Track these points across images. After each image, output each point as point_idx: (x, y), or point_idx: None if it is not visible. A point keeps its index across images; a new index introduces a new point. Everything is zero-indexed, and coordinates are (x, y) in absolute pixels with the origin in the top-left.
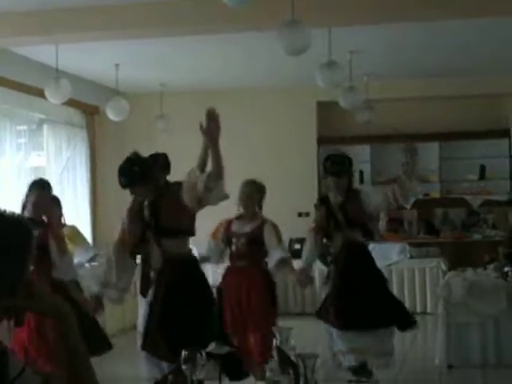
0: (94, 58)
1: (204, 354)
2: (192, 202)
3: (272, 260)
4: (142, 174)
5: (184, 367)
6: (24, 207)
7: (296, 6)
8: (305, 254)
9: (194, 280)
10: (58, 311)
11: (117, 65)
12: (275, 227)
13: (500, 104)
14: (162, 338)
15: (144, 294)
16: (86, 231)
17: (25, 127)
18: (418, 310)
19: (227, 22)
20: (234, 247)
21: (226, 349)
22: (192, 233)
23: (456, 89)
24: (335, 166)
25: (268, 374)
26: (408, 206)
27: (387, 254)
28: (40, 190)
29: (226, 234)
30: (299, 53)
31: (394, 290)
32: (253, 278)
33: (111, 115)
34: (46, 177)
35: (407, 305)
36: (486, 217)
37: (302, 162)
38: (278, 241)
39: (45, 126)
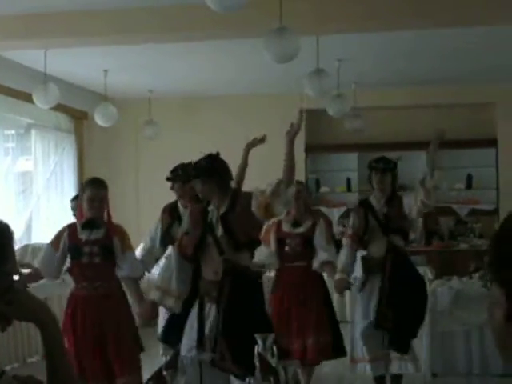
0: (82, 64)
1: (186, 359)
2: (259, 210)
3: (317, 260)
4: (208, 168)
5: (165, 373)
6: (80, 209)
7: (284, 14)
8: (341, 262)
9: (255, 297)
10: (39, 318)
11: (105, 70)
12: (327, 227)
13: (487, 113)
14: (230, 352)
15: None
16: None
17: (12, 132)
18: None
19: (215, 29)
20: (287, 248)
21: (208, 355)
22: (259, 244)
23: (444, 97)
24: (380, 163)
25: (249, 380)
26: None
27: None
28: (95, 186)
29: (277, 236)
30: (287, 60)
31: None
32: (311, 277)
33: (99, 121)
34: (33, 181)
35: None
36: (473, 226)
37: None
38: (327, 242)
39: (33, 131)
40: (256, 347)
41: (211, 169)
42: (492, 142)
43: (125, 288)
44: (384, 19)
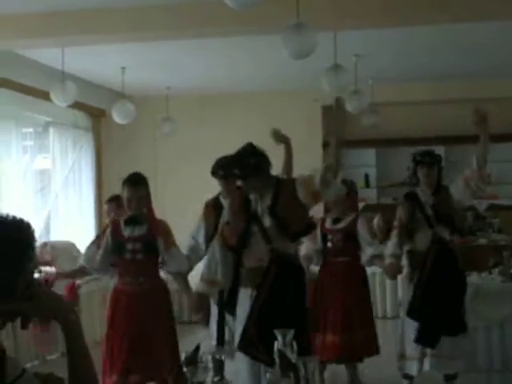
0: (100, 61)
1: (206, 357)
2: (307, 198)
3: (365, 255)
4: (257, 166)
5: (185, 369)
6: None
7: (301, 10)
8: (390, 248)
9: (298, 285)
10: (58, 315)
11: (123, 68)
12: (368, 222)
13: (507, 108)
14: (259, 339)
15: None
16: (91, 233)
17: (31, 130)
18: None
19: (233, 26)
20: (329, 244)
21: (226, 353)
22: (308, 231)
23: (462, 92)
24: (426, 157)
25: (269, 376)
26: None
27: None
28: (132, 186)
29: (321, 232)
30: (304, 56)
31: (399, 294)
32: (354, 272)
33: (117, 118)
34: (52, 179)
35: None
36: (491, 221)
37: (308, 165)
38: (372, 236)
39: (51, 129)
40: (276, 343)
41: (259, 166)
42: (510, 137)
43: (173, 283)
44: (401, 14)
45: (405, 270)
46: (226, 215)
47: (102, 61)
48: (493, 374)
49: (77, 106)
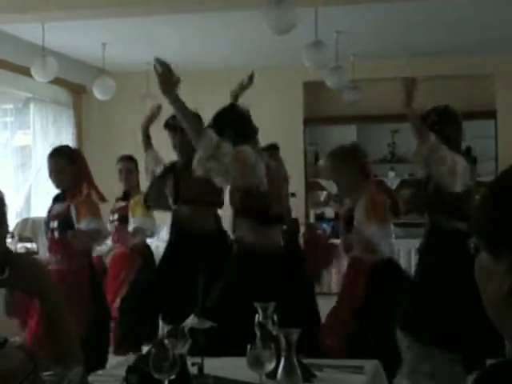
0: (80, 37)
1: (186, 328)
2: None
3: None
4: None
5: (166, 341)
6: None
7: None
8: None
9: None
10: (39, 285)
11: (104, 44)
12: None
13: (487, 85)
14: None
15: None
16: None
17: (11, 106)
18: None
19: (214, 1)
20: None
21: (208, 323)
22: None
23: (443, 69)
24: None
25: (250, 348)
26: None
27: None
28: (50, 158)
29: None
30: (285, 32)
31: None
32: None
33: (98, 94)
34: (32, 156)
35: None
36: None
37: (289, 142)
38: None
39: (31, 105)
40: (256, 316)
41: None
42: (491, 114)
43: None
44: None
45: None
46: None
47: (82, 36)
48: None
49: (57, 81)
